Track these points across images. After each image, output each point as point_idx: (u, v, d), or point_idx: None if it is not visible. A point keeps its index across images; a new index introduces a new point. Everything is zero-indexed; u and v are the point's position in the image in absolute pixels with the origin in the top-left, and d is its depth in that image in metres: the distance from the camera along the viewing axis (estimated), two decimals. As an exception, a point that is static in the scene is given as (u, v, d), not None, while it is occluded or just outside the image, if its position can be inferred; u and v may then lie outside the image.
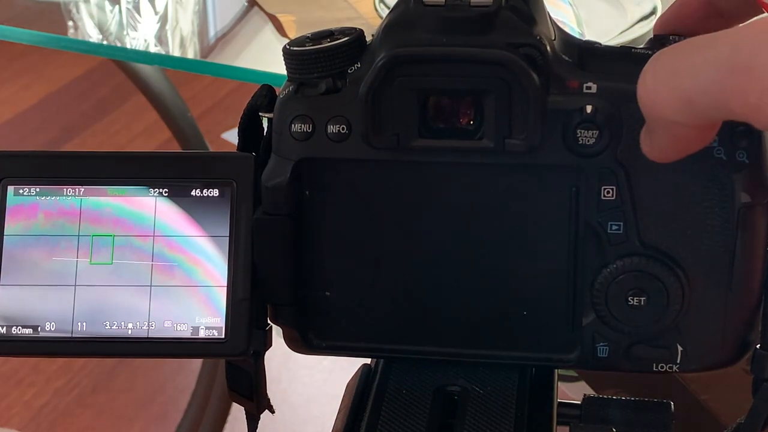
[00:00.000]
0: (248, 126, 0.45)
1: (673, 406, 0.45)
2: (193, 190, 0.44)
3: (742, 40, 0.33)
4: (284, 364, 1.63)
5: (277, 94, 0.44)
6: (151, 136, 2.23)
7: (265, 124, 0.45)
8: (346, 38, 0.42)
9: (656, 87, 0.35)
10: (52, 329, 0.44)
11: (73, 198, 0.44)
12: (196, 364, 1.55)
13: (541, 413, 0.44)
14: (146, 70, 1.38)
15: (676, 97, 0.35)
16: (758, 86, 0.32)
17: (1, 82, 2.51)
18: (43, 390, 1.69)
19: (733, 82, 0.33)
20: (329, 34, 0.42)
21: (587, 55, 0.42)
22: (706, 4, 0.45)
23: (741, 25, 0.34)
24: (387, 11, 0.41)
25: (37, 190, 0.44)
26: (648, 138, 0.39)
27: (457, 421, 0.42)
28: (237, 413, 1.47)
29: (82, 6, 1.11)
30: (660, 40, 0.44)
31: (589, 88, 0.41)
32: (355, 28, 0.42)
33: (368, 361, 0.47)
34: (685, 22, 0.45)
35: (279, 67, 0.43)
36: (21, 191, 0.44)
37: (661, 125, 0.37)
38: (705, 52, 0.34)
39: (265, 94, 0.45)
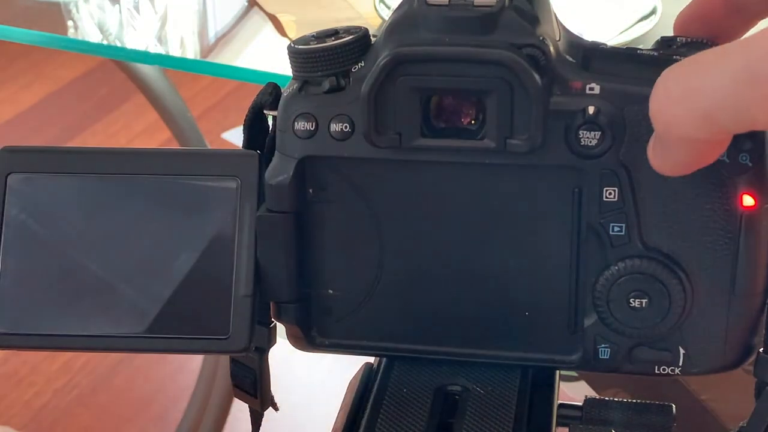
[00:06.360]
0: (253, 123, 0.45)
1: (674, 409, 0.45)
2: (198, 187, 0.44)
3: (755, 49, 0.33)
4: (284, 364, 1.63)
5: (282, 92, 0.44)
6: (151, 136, 2.23)
7: (271, 122, 0.45)
8: (350, 37, 0.42)
9: (671, 107, 0.35)
10: (55, 323, 0.44)
11: (78, 192, 0.44)
12: (196, 364, 1.55)
13: (541, 414, 0.44)
14: (146, 70, 1.38)
15: (694, 115, 0.35)
16: None
17: (2, 82, 2.50)
18: (43, 390, 1.69)
19: (752, 93, 0.33)
20: (334, 33, 0.42)
21: (592, 55, 0.42)
22: (726, 1, 0.45)
23: (750, 35, 0.34)
24: (387, 11, 0.41)
25: (43, 184, 0.44)
26: (659, 153, 0.38)
27: (456, 421, 0.42)
28: (237, 413, 1.48)
29: (82, 6, 1.11)
30: (667, 41, 0.43)
31: (592, 89, 0.40)
32: (360, 27, 0.42)
33: (371, 360, 0.47)
34: (705, 19, 0.45)
35: (278, 67, 0.43)
36: (26, 185, 0.44)
37: (677, 142, 0.37)
38: (718, 67, 0.34)
39: (271, 92, 0.45)
